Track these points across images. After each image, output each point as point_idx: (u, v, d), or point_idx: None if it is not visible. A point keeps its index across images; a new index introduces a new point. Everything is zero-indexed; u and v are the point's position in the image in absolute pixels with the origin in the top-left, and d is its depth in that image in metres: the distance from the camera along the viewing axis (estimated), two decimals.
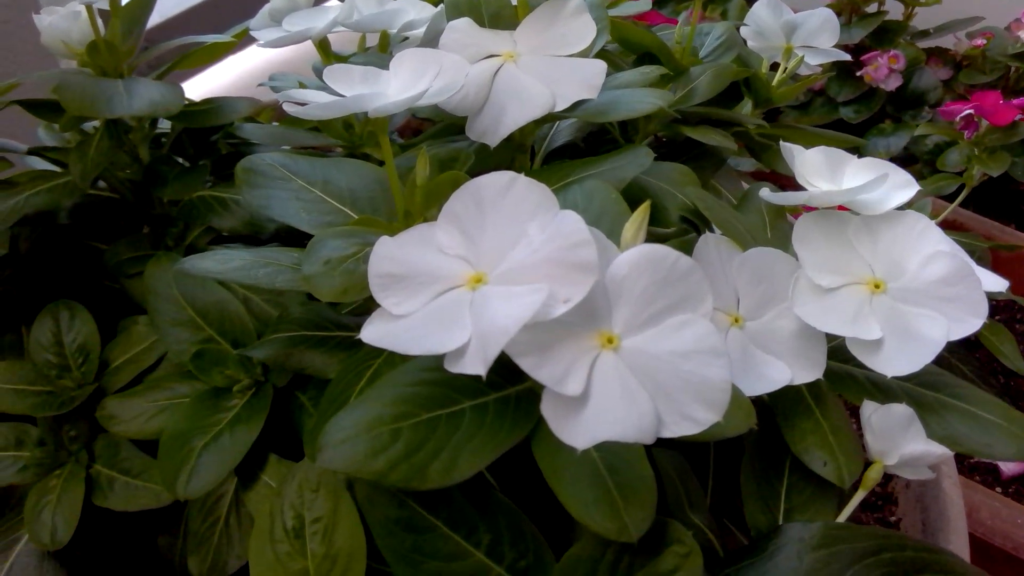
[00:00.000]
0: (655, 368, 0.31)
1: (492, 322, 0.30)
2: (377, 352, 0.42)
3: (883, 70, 1.39)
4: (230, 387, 0.48)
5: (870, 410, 0.40)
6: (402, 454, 0.33)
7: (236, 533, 0.50)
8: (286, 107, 0.37)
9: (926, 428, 0.41)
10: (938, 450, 0.39)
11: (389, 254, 0.34)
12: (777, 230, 0.52)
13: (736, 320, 0.42)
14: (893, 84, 1.40)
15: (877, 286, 0.41)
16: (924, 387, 0.44)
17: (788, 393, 0.44)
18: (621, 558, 0.35)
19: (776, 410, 0.43)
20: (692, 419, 0.30)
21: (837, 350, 0.47)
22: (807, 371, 0.41)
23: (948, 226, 1.11)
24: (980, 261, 1.12)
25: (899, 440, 0.40)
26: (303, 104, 0.36)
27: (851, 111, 1.41)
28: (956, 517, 0.59)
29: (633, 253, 0.32)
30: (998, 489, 1.01)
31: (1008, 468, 1.02)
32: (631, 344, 0.31)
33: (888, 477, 0.71)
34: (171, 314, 0.50)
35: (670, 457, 0.41)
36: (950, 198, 1.09)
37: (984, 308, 0.39)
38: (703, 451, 0.47)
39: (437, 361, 0.36)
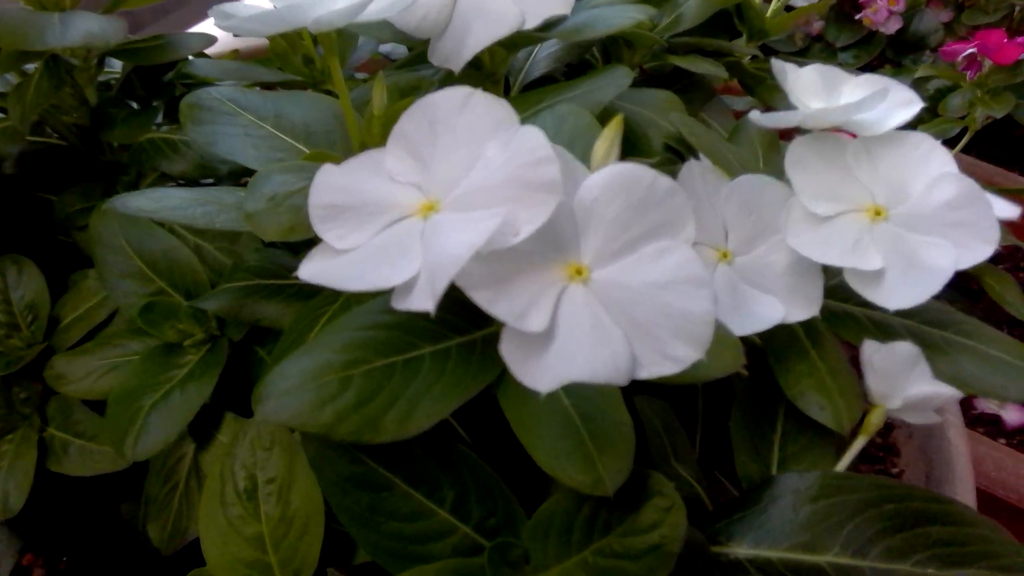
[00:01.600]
0: (630, 302, 0.27)
1: (442, 251, 0.26)
2: (333, 298, 0.38)
3: (883, 13, 1.34)
4: (183, 342, 0.44)
5: (871, 350, 0.37)
6: (352, 404, 0.30)
7: (197, 498, 0.47)
8: (215, 22, 0.33)
9: (932, 369, 0.37)
10: (946, 391, 0.36)
11: (333, 183, 0.30)
12: (771, 164, 0.48)
13: (724, 255, 0.39)
14: (893, 27, 1.35)
15: (878, 213, 0.37)
16: (929, 325, 0.41)
17: (781, 334, 0.40)
18: (598, 513, 0.32)
19: (768, 352, 0.40)
20: (672, 357, 0.27)
21: (835, 289, 0.43)
22: (802, 308, 0.37)
23: None
24: None
25: (903, 381, 0.36)
26: (232, 17, 0.32)
27: (850, 56, 1.37)
28: (962, 468, 0.56)
29: (604, 173, 0.28)
30: (1001, 440, 0.98)
31: (1011, 419, 0.99)
32: (603, 276, 0.28)
33: (889, 427, 0.68)
34: (119, 265, 0.46)
35: (653, 405, 0.38)
36: (951, 144, 1.05)
37: (995, 234, 0.36)
38: (690, 399, 0.44)
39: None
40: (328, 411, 0.30)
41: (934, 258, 0.36)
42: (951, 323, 0.41)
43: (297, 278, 0.42)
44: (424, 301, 0.26)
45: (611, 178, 0.28)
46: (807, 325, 0.41)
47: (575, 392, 0.31)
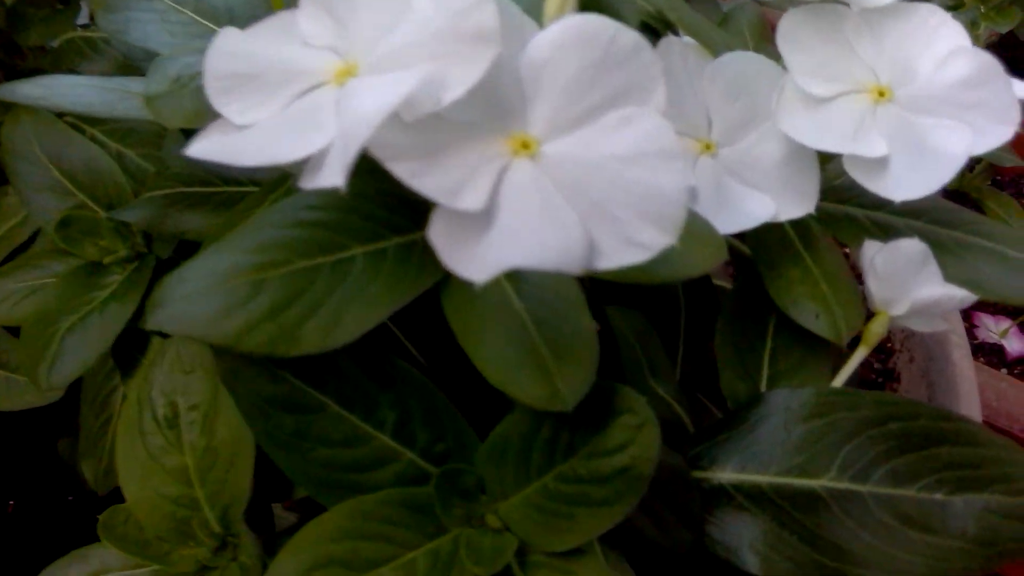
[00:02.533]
0: (588, 180, 0.23)
1: (353, 114, 0.22)
2: (259, 200, 0.33)
3: None
4: (104, 260, 0.40)
5: (873, 250, 0.32)
6: (266, 311, 0.25)
7: None
8: None
9: (943, 273, 0.33)
10: (959, 293, 0.31)
11: (234, 49, 0.26)
12: (762, 53, 0.43)
13: (707, 147, 0.34)
14: None
15: (882, 94, 0.32)
16: (939, 225, 0.36)
17: (772, 238, 0.36)
18: (559, 434, 0.28)
19: (758, 260, 0.36)
20: (638, 243, 0.22)
21: (834, 190, 0.39)
22: (795, 204, 0.33)
23: None
24: None
25: (909, 284, 0.32)
26: None
27: None
28: (968, 392, 0.52)
29: (556, 28, 0.23)
30: (1003, 370, 0.95)
31: (1014, 349, 0.96)
32: (555, 150, 0.23)
33: (888, 352, 0.64)
34: (35, 178, 0.41)
35: (626, 315, 0.33)
36: None
37: (1016, 115, 0.31)
38: (671, 314, 0.39)
39: (323, 199, 0.28)
40: (236, 319, 0.25)
41: (945, 142, 0.31)
42: (963, 223, 0.36)
43: (227, 186, 0.37)
44: (334, 175, 0.21)
45: (565, 33, 0.23)
46: (801, 228, 0.36)
47: (529, 295, 0.27)
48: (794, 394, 0.33)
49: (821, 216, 0.37)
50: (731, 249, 0.40)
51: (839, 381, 0.34)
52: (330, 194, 0.29)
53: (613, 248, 0.22)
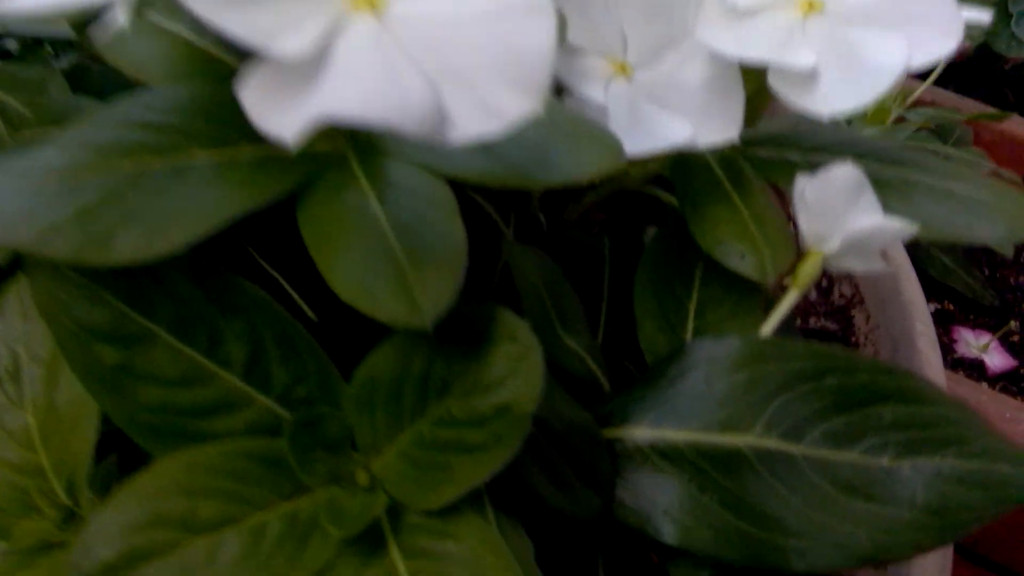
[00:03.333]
0: (441, 38, 0.19)
1: None
2: None
3: None
4: None
5: (803, 183, 0.29)
6: (73, 214, 0.21)
7: None
8: None
9: (886, 211, 0.29)
10: (894, 225, 0.28)
11: None
12: None
13: (622, 68, 0.30)
14: None
15: (812, 6, 0.29)
16: (884, 163, 0.32)
17: (699, 179, 0.32)
18: (432, 370, 0.24)
19: (684, 201, 0.32)
20: (495, 110, 0.19)
21: (772, 138, 0.35)
22: (717, 129, 0.29)
23: (923, 105, 0.99)
24: (959, 142, 1.00)
25: (842, 214, 0.28)
26: None
27: None
28: (928, 348, 0.47)
29: None
30: (984, 385, 0.91)
31: (994, 364, 0.92)
32: (404, 10, 0.20)
33: (847, 317, 0.60)
34: None
35: (534, 260, 0.30)
36: (923, 78, 0.98)
37: (958, 28, 0.28)
38: (594, 267, 0.35)
39: (169, 101, 0.25)
40: (38, 221, 0.21)
41: (881, 54, 0.28)
42: (910, 162, 0.33)
43: None
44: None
45: None
46: (731, 169, 0.33)
47: (392, 199, 0.23)
48: (718, 344, 0.29)
49: (756, 161, 0.34)
50: (661, 205, 0.36)
51: (767, 329, 0.30)
52: (179, 96, 0.25)
53: (467, 116, 0.19)
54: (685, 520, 0.27)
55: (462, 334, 0.23)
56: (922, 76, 0.99)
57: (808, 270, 0.29)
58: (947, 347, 0.93)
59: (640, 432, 0.28)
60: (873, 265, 0.29)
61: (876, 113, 0.94)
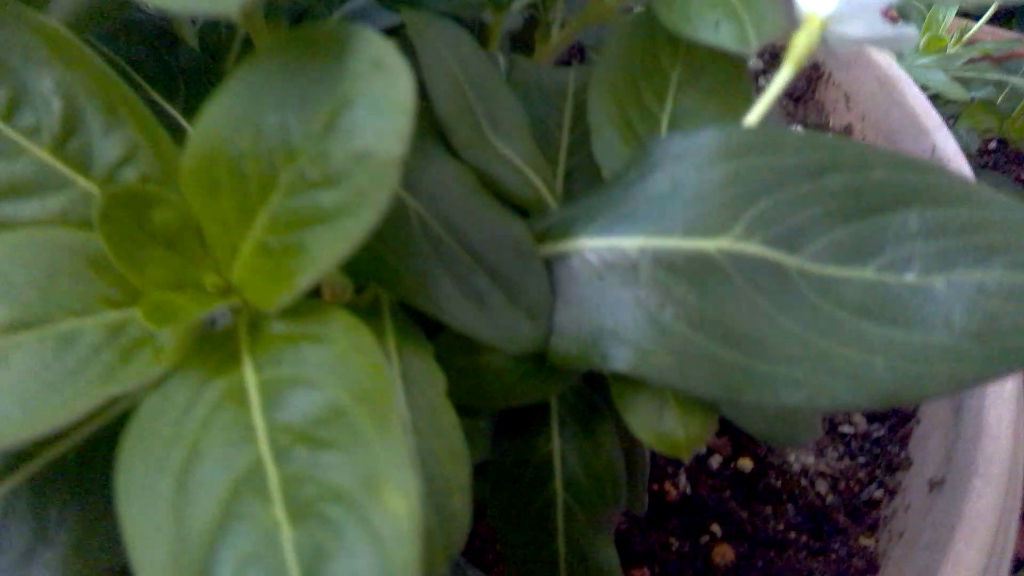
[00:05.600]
0: None
1: None
2: None
3: None
4: None
5: None
6: None
7: None
8: None
9: None
10: None
11: None
12: None
13: None
14: None
15: None
16: None
17: None
18: (277, 121, 0.18)
19: None
20: None
21: None
22: None
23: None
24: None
25: None
26: None
27: None
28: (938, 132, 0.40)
29: None
30: None
31: None
32: None
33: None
34: None
35: (450, 40, 0.24)
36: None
37: None
38: (555, 107, 0.29)
39: None
40: None
41: None
42: None
43: None
44: None
45: None
46: None
47: None
48: (689, 138, 0.23)
49: None
50: None
51: (754, 117, 0.23)
52: None
53: None
54: (641, 343, 0.21)
55: (311, 69, 0.17)
56: (977, 17, 0.91)
57: (804, 40, 0.23)
58: None
59: (585, 243, 0.22)
60: (875, 29, 0.23)
61: (930, 42, 0.87)
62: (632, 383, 0.22)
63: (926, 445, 0.41)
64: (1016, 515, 0.36)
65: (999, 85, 0.87)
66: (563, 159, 0.28)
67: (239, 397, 0.18)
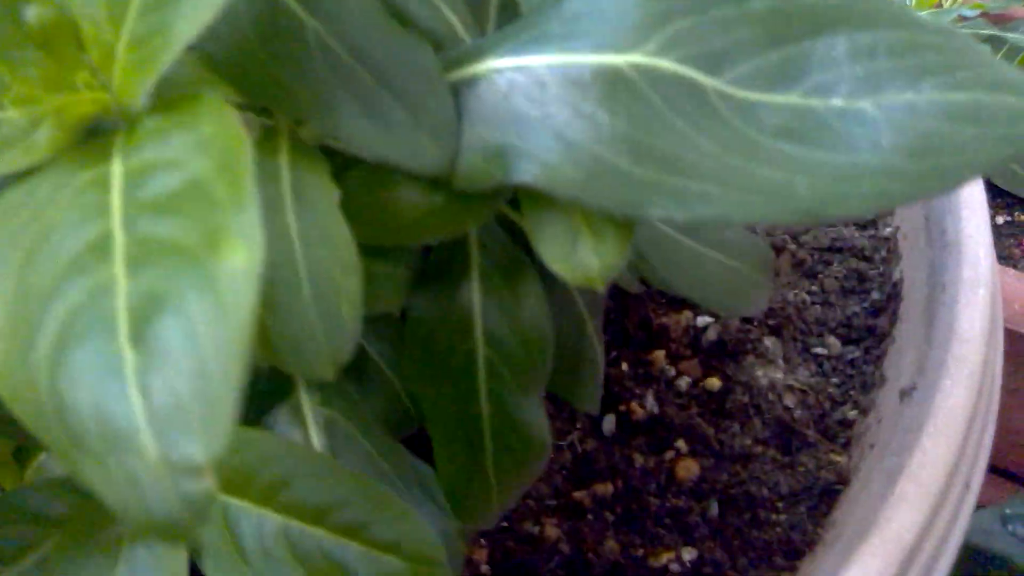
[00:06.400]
0: None
1: None
2: None
3: None
4: None
5: None
6: None
7: None
8: None
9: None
10: None
11: None
12: None
13: None
14: None
15: None
16: None
17: None
18: None
19: None
20: None
21: None
22: None
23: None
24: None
25: None
26: None
27: None
28: None
29: None
30: None
31: None
32: None
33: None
34: None
35: None
36: None
37: None
38: None
39: None
40: None
41: None
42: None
43: None
44: None
45: None
46: None
47: None
48: None
49: None
50: None
51: None
52: None
53: None
54: (548, 158, 0.20)
55: None
56: None
57: None
58: (1020, 260, 0.84)
59: (492, 64, 0.21)
60: None
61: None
62: (543, 208, 0.20)
63: (900, 361, 0.39)
64: (992, 419, 0.35)
65: (994, 41, 0.85)
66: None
67: (102, 183, 0.17)
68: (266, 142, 0.20)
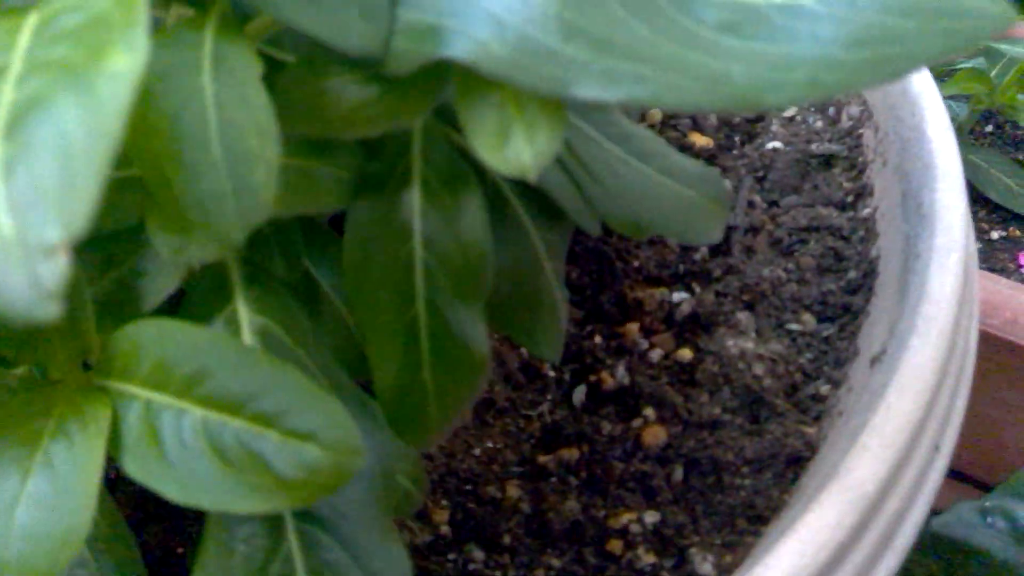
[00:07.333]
0: None
1: None
2: None
3: None
4: None
5: None
6: None
7: None
8: None
9: None
10: None
11: None
12: None
13: None
14: None
15: None
16: None
17: None
18: None
19: None
20: None
21: None
22: None
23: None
24: None
25: None
26: None
27: None
28: (940, 134, 0.39)
29: None
30: None
31: None
32: None
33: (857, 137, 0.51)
34: None
35: None
36: None
37: None
38: None
39: None
40: None
41: None
42: None
43: None
44: None
45: None
46: None
47: None
48: None
49: None
50: None
51: None
52: None
53: None
54: (479, 36, 0.19)
55: None
56: None
57: None
58: (1012, 273, 0.83)
59: None
60: None
61: None
62: (477, 97, 0.20)
63: (872, 331, 0.39)
64: (966, 379, 0.34)
65: (989, 55, 0.85)
66: None
67: (16, 30, 0.16)
68: (196, 19, 0.20)
